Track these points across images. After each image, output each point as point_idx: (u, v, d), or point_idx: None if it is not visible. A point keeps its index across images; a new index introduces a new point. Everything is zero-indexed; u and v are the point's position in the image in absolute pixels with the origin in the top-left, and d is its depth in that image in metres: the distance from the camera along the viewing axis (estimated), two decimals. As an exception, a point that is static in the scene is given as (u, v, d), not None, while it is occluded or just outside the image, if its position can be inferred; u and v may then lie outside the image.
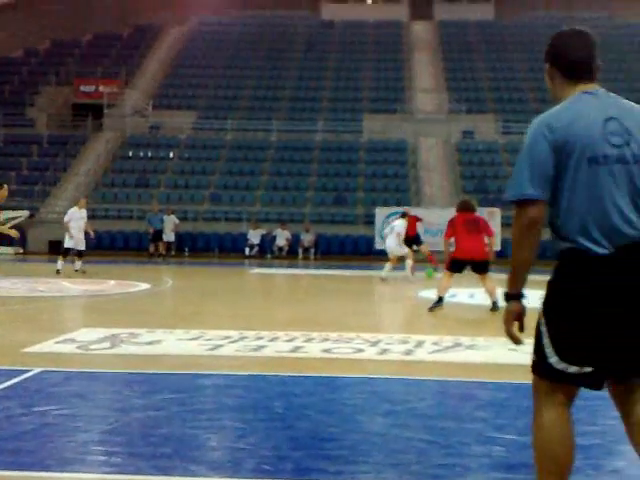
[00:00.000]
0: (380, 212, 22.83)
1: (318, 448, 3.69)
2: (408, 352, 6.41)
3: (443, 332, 7.67)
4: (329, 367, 5.81)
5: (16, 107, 29.49)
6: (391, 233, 14.72)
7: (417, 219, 17.21)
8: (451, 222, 9.95)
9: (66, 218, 15.38)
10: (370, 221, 23.15)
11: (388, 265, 14.42)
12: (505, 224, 20.05)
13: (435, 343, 6.85)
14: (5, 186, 9.52)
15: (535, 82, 28.65)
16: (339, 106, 30.68)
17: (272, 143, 28.40)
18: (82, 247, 15.22)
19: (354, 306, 10.89)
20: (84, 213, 15.50)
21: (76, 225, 15.12)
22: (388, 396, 4.98)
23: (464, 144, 28.52)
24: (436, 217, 17.36)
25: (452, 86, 32.16)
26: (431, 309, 9.40)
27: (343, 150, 28.05)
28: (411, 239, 16.23)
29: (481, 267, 9.59)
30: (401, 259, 14.85)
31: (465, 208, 10.11)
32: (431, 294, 9.88)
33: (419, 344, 6.78)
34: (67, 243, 15.14)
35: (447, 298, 9.78)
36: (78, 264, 15.01)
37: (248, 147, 28.05)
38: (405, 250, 14.69)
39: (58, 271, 14.27)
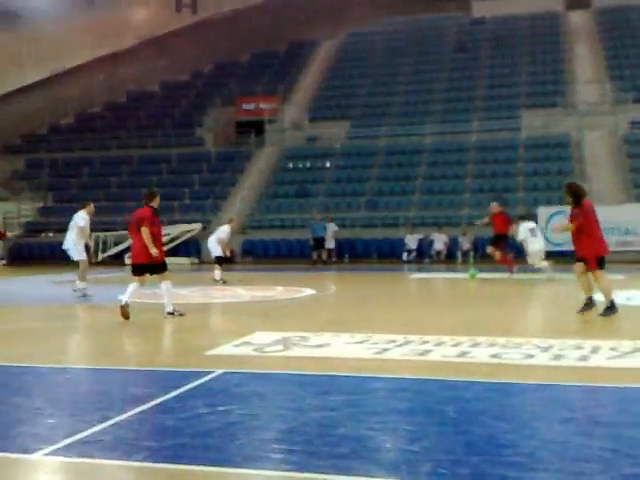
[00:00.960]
0: (543, 212, 21.89)
1: (495, 454, 3.63)
2: (583, 358, 6.11)
3: (621, 336, 7.23)
4: (498, 372, 5.68)
5: (186, 128, 31.66)
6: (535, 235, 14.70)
7: (507, 218, 16.35)
8: (580, 210, 8.69)
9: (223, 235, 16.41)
10: (532, 222, 22.21)
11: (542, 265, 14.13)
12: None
13: (613, 348, 6.48)
14: (92, 204, 10.34)
15: None
16: (494, 104, 29.84)
17: (426, 146, 28.19)
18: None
19: (517, 310, 10.54)
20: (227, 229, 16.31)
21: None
22: (565, 403, 4.79)
23: (633, 135, 26.63)
24: (608, 214, 16.26)
25: (615, 75, 30.22)
26: (583, 311, 8.88)
27: (500, 149, 27.23)
28: (502, 237, 15.94)
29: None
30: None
31: (584, 193, 8.97)
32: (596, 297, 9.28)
33: (595, 350, 6.45)
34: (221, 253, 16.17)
35: (624, 301, 9.18)
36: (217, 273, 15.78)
37: (402, 152, 28.05)
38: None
39: (224, 281, 15.07)
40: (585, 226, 8.66)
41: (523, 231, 14.82)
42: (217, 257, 15.73)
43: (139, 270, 9.35)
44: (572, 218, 8.83)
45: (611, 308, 8.71)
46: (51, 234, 23.81)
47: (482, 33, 36.05)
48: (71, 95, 33.29)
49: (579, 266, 8.90)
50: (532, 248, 14.67)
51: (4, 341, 7.92)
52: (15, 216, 26.65)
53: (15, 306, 11.72)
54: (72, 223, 12.83)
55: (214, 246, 15.98)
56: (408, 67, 33.90)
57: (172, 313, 9.30)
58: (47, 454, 3.74)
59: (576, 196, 8.85)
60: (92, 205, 12.98)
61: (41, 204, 28.14)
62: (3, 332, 8.54)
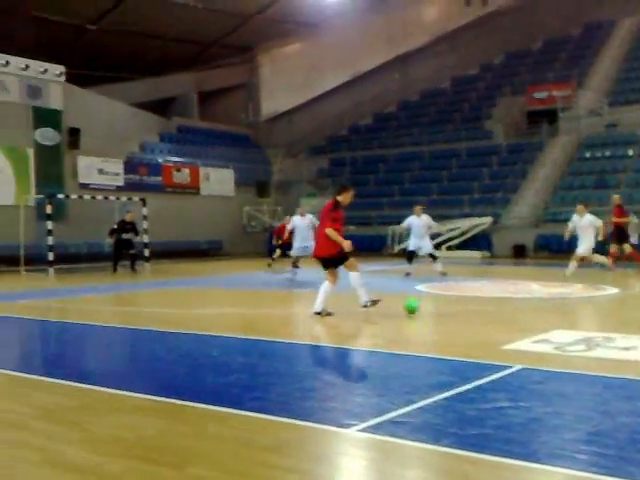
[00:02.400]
0: None
1: None
2: None
3: None
4: None
5: (475, 121, 31.55)
6: None
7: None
8: None
9: (405, 224, 16.47)
10: None
11: None
12: None
13: None
14: (351, 191, 9.20)
15: None
16: None
17: None
18: (428, 251, 16.03)
19: None
20: (425, 220, 16.00)
21: (418, 232, 15.93)
22: None
23: None
24: None
25: None
26: None
27: None
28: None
29: None
30: None
31: None
32: None
33: None
34: (410, 247, 16.22)
35: None
36: (438, 266, 15.59)
37: None
38: None
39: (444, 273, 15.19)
40: None
41: None
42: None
43: (326, 263, 9.09)
44: None
45: None
46: (352, 227, 25.53)
47: None
48: (368, 97, 35.22)
49: None
50: None
51: (313, 323, 8.76)
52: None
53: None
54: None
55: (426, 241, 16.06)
56: None
57: (366, 305, 9.01)
58: (359, 430, 4.08)
59: None
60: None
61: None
62: (296, 316, 9.44)
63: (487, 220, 24.50)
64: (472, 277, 16.22)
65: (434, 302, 11.24)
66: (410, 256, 16.04)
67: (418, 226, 15.89)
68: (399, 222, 24.54)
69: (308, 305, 9.41)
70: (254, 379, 5.63)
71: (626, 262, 16.35)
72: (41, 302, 12.01)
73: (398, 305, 9.17)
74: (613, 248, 16.18)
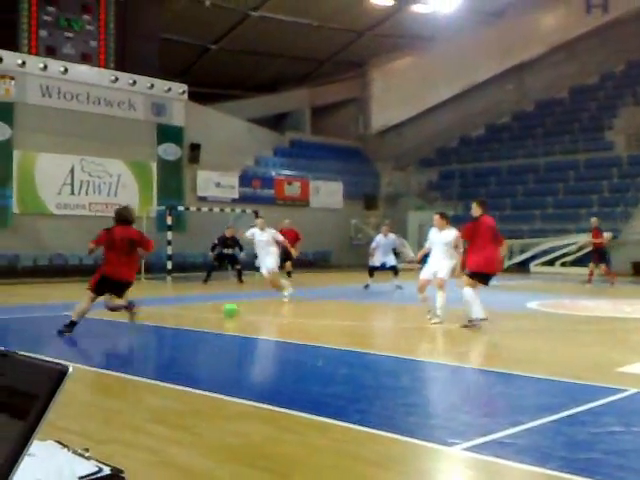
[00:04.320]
0: None
1: None
2: None
3: None
4: None
5: (595, 132, 30.24)
6: None
7: None
8: None
9: (374, 244, 17.19)
10: None
11: None
12: None
13: None
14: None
15: None
16: None
17: None
18: (392, 264, 17.03)
19: None
20: (392, 238, 17.29)
21: (383, 249, 16.96)
22: None
23: None
24: None
25: None
26: None
27: None
28: None
29: None
30: None
31: None
32: None
33: None
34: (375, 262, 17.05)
35: None
36: (396, 280, 16.40)
37: None
38: None
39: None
40: None
41: None
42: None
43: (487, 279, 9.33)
44: None
45: None
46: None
47: None
48: (480, 108, 34.62)
49: None
50: None
51: (418, 339, 8.70)
52: (430, 224, 28.82)
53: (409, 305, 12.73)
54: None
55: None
56: None
57: (469, 323, 9.17)
58: (464, 449, 4.02)
59: None
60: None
61: (452, 212, 29.91)
62: (418, 330, 9.39)
63: (607, 235, 23.35)
64: (587, 295, 15.56)
65: (546, 320, 10.86)
66: (372, 271, 16.99)
67: (385, 244, 16.98)
68: (511, 237, 23.88)
69: (412, 319, 9.36)
70: (358, 391, 5.68)
71: None
72: (157, 308, 12.64)
73: (508, 322, 8.96)
74: None
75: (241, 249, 19.21)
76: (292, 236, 17.75)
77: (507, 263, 23.87)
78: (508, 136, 33.16)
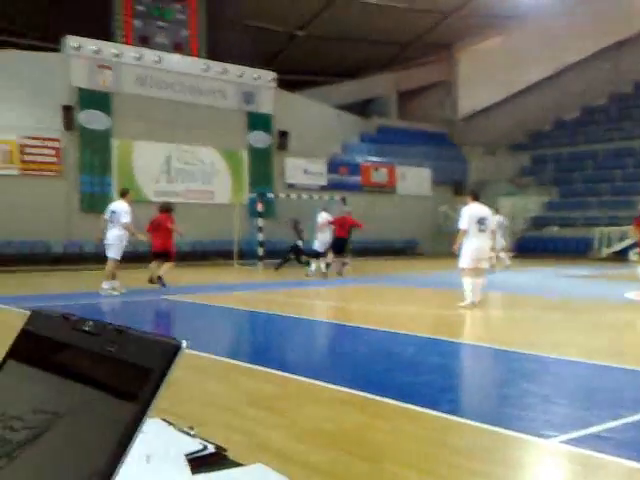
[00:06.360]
0: None
1: None
2: None
3: None
4: None
5: None
6: None
7: None
8: None
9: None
10: None
11: None
12: None
13: None
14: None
15: None
16: None
17: None
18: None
19: None
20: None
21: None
22: None
23: None
24: None
25: None
26: None
27: None
28: None
29: None
30: None
31: None
32: None
33: None
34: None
35: None
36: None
37: None
38: None
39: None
40: None
41: None
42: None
43: None
44: None
45: None
46: (555, 228, 24.32)
47: None
48: (575, 90, 33.29)
49: None
50: None
51: (513, 328, 8.53)
52: (522, 210, 28.11)
53: (522, 296, 12.45)
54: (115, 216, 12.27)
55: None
56: None
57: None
58: (562, 442, 3.92)
59: None
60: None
61: (546, 198, 28.99)
62: (511, 319, 9.20)
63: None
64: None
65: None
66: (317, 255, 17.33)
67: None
68: (610, 224, 22.90)
69: (506, 309, 9.18)
70: (449, 380, 5.64)
71: None
72: (250, 294, 12.92)
73: (606, 314, 8.64)
74: None
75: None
76: (339, 223, 17.60)
77: (604, 252, 22.99)
78: (605, 118, 31.75)
